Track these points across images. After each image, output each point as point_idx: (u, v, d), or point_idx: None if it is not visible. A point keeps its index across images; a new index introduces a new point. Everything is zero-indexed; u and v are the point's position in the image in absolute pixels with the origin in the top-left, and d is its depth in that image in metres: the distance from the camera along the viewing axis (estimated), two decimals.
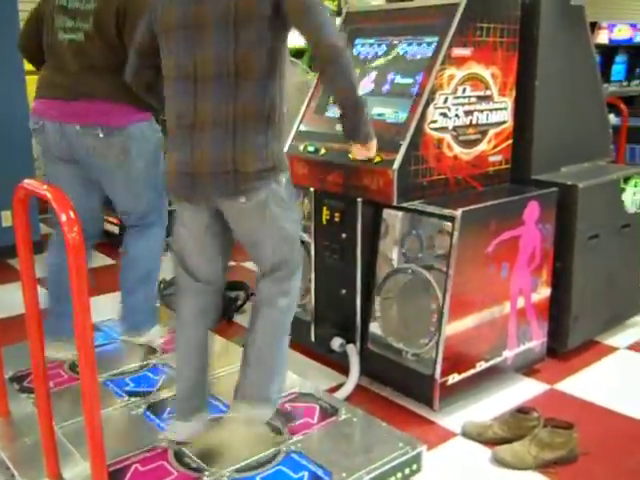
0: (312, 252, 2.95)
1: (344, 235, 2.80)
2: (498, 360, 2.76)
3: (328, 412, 2.51)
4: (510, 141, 2.98)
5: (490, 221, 2.62)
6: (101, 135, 2.61)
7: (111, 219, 4.70)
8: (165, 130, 2.21)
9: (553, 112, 3.09)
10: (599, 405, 2.73)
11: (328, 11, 2.05)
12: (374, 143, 2.29)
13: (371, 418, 2.47)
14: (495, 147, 2.92)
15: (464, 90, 2.73)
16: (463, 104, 2.74)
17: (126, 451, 2.26)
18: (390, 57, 2.92)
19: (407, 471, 2.23)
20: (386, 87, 2.86)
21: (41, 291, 2.15)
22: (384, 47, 2.97)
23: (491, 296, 2.69)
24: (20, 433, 2.40)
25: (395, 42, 2.93)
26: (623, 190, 3.18)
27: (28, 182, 1.93)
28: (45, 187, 1.83)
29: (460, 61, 2.68)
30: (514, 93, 2.94)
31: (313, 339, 3.04)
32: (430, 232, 2.60)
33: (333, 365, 3.00)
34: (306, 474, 2.14)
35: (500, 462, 2.33)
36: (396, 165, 2.54)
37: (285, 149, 2.81)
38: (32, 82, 4.88)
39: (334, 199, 2.80)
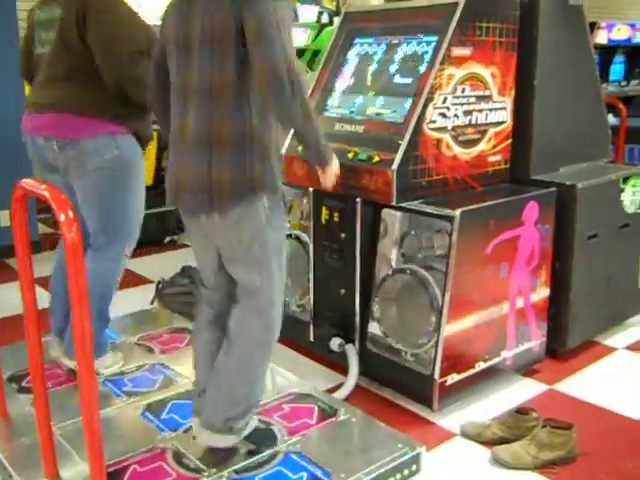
0: (311, 252, 2.95)
1: (343, 235, 2.80)
2: (497, 360, 2.76)
3: (327, 413, 2.51)
4: (509, 141, 2.98)
5: (489, 221, 2.62)
6: (55, 148, 2.57)
7: None
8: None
9: (552, 112, 3.09)
10: (598, 405, 2.72)
11: (286, 30, 1.94)
12: (332, 169, 2.22)
13: (370, 419, 2.47)
14: (494, 147, 2.92)
15: (463, 90, 2.72)
16: (462, 104, 2.73)
17: (125, 452, 2.26)
18: (389, 56, 2.91)
19: (406, 472, 2.23)
20: (385, 86, 2.86)
21: (39, 291, 2.15)
22: (383, 46, 2.97)
23: (490, 296, 2.69)
24: (18, 433, 2.40)
25: (394, 41, 2.93)
26: (622, 190, 3.18)
27: (26, 181, 1.93)
28: (44, 187, 1.83)
29: (459, 61, 2.68)
30: (513, 93, 2.94)
31: (312, 339, 3.04)
32: (429, 232, 2.60)
33: (332, 365, 2.99)
34: (305, 475, 2.14)
35: (499, 462, 2.33)
36: (395, 165, 2.54)
37: (283, 151, 2.81)
38: (29, 84, 4.92)
39: (333, 199, 2.80)
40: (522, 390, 2.84)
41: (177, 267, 3.83)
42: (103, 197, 2.63)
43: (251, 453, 2.25)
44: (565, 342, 3.05)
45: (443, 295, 2.51)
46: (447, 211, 2.52)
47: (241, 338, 2.14)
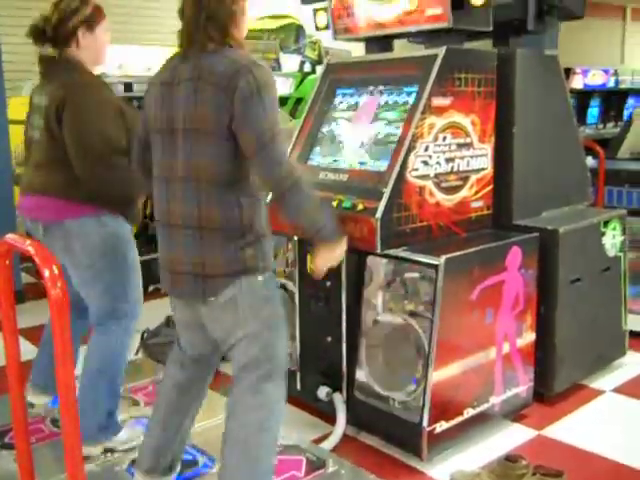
0: (297, 300, 2.95)
1: (328, 283, 2.80)
2: (485, 406, 2.75)
3: (315, 464, 2.48)
4: (491, 187, 3.02)
5: (473, 267, 2.64)
6: (41, 230, 2.57)
7: None
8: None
9: (532, 158, 3.14)
10: (587, 450, 2.71)
11: (281, 137, 1.97)
12: (340, 249, 2.16)
13: (359, 470, 2.44)
14: (476, 193, 2.96)
15: (444, 138, 2.77)
16: (444, 151, 2.78)
17: None
18: (370, 106, 2.97)
19: None
20: (367, 136, 2.91)
21: (23, 342, 2.12)
22: (365, 97, 3.03)
23: (476, 342, 2.70)
24: None
25: (375, 92, 2.99)
26: (603, 234, 3.22)
27: (11, 237, 1.92)
28: (28, 242, 1.82)
29: (440, 110, 2.74)
30: (493, 140, 3.00)
31: (299, 388, 3.01)
32: (414, 279, 2.61)
33: (319, 414, 2.96)
34: None
35: None
36: (379, 213, 2.57)
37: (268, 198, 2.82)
38: (15, 132, 4.94)
39: None
40: (511, 436, 2.82)
41: (162, 317, 3.80)
42: (99, 278, 2.59)
43: None
44: (552, 386, 3.05)
45: (430, 341, 2.51)
46: (432, 258, 2.54)
47: (244, 423, 2.05)
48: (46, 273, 1.66)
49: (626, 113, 8.80)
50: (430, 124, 2.71)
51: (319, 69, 5.08)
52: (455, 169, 2.84)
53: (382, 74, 3.00)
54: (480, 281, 2.65)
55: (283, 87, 6.01)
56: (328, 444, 2.69)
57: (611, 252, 3.28)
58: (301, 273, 2.91)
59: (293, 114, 5.98)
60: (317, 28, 3.40)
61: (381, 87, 2.96)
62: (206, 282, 1.99)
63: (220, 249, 1.98)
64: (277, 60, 6.17)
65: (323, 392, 2.84)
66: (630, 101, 9.14)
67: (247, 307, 2.03)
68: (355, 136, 2.96)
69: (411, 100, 2.78)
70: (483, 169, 2.97)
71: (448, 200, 2.83)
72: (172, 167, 2.01)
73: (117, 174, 2.50)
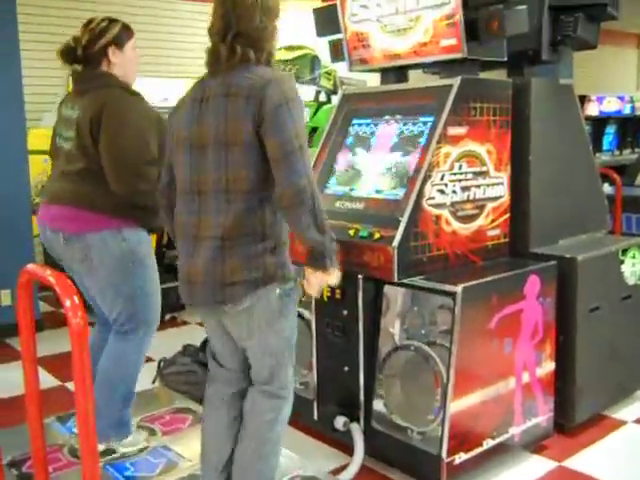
0: (313, 329, 2.94)
1: (345, 312, 2.80)
2: (505, 437, 2.71)
3: None
4: (508, 215, 3.02)
5: (491, 296, 2.62)
6: (62, 241, 2.62)
7: None
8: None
9: (548, 185, 3.14)
10: None
11: (306, 151, 2.00)
12: (331, 278, 2.14)
13: None
14: (493, 221, 2.95)
15: (460, 167, 2.78)
16: (460, 180, 2.79)
17: None
18: (386, 136, 2.99)
19: None
20: (383, 165, 2.92)
21: (41, 372, 2.14)
22: (381, 126, 3.05)
23: (495, 371, 2.67)
24: None
25: (391, 122, 3.01)
26: (622, 262, 3.20)
27: (31, 267, 1.95)
28: (49, 272, 1.84)
29: (455, 139, 2.75)
30: (509, 168, 3.00)
31: (316, 418, 2.99)
32: (432, 308, 2.60)
33: (337, 444, 2.94)
34: None
35: None
36: (396, 242, 2.57)
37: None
38: (35, 162, 5.01)
39: None
40: (531, 468, 2.78)
41: (178, 345, 3.80)
42: (118, 289, 2.66)
43: None
44: (573, 417, 3.01)
45: (448, 371, 2.49)
46: (449, 287, 2.53)
47: (259, 426, 2.16)
48: (67, 303, 1.68)
49: None
50: (446, 153, 2.72)
51: (334, 99, 5.13)
52: (471, 197, 2.84)
53: (398, 104, 3.02)
54: (498, 310, 2.64)
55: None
56: (346, 475, 2.66)
57: (631, 280, 3.25)
58: (317, 302, 2.91)
59: (309, 143, 6.02)
60: (333, 59, 3.44)
61: (397, 117, 2.98)
62: (223, 289, 2.01)
63: (240, 256, 2.00)
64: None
65: (340, 422, 2.81)
66: None
67: (262, 321, 2.08)
68: (371, 165, 2.98)
69: (427, 130, 2.80)
70: (499, 197, 2.97)
71: (465, 229, 2.83)
72: (203, 181, 2.04)
73: (149, 186, 2.54)
